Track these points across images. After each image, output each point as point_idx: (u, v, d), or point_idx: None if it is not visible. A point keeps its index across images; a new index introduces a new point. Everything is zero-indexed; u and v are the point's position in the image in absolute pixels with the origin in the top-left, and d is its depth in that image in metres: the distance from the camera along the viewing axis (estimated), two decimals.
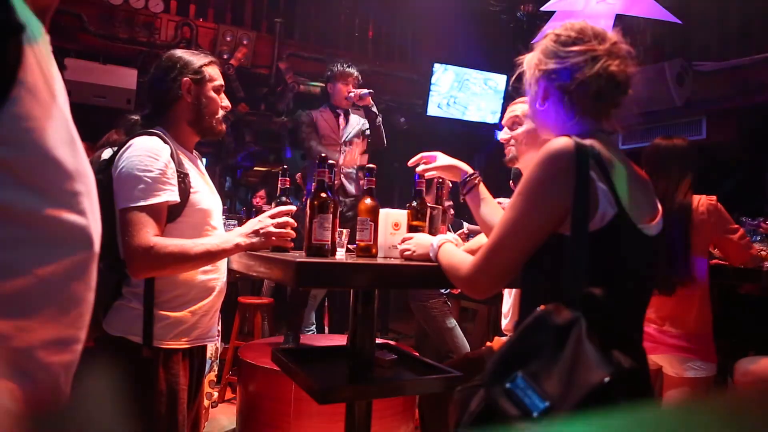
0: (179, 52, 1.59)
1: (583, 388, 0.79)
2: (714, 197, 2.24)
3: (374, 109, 3.39)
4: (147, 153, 1.41)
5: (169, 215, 1.44)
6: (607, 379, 0.78)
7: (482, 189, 1.52)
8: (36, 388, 0.64)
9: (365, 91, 3.33)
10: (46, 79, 0.69)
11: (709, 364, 2.17)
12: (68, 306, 0.70)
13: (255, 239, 1.45)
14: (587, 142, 1.01)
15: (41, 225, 0.67)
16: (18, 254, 0.65)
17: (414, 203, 1.54)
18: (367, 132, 3.52)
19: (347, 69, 3.42)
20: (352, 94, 3.34)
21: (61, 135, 0.69)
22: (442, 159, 1.58)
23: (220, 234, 1.53)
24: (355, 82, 3.43)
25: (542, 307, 0.90)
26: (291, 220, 1.49)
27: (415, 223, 1.52)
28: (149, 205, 1.37)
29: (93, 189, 0.75)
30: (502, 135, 1.81)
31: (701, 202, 2.22)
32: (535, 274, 1.05)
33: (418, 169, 1.58)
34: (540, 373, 0.84)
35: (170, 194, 1.42)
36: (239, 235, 1.45)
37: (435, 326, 3.54)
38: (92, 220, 0.73)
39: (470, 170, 1.55)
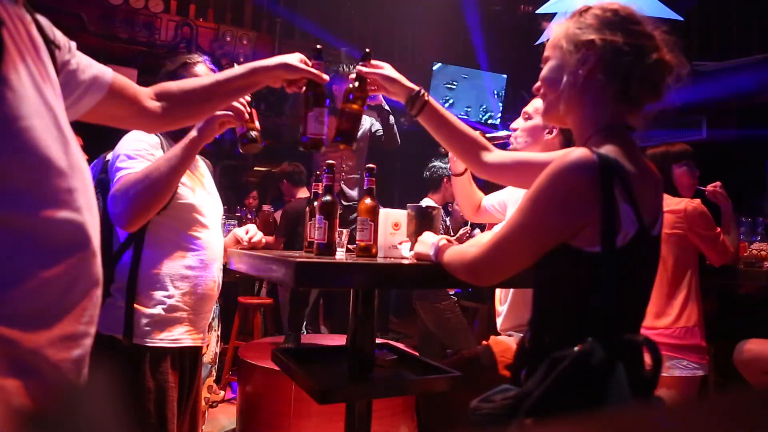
0: (172, 57, 1.62)
1: None
2: (696, 201, 2.30)
3: (386, 107, 3.33)
4: (134, 138, 1.47)
5: None
6: None
7: (436, 105, 1.38)
8: (45, 385, 0.65)
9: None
10: (31, 73, 0.68)
11: (697, 364, 2.16)
12: (72, 303, 0.70)
13: (203, 124, 1.41)
14: (608, 151, 0.97)
15: (39, 227, 0.67)
16: (21, 259, 0.65)
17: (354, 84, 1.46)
18: (378, 132, 3.46)
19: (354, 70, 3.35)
20: None
21: (51, 132, 0.68)
22: (388, 70, 1.43)
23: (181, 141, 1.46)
24: None
25: (579, 346, 0.88)
26: (244, 102, 1.45)
27: (346, 106, 1.45)
28: (122, 175, 1.38)
29: (89, 184, 0.74)
30: (513, 125, 1.95)
31: (680, 205, 2.27)
32: (553, 288, 1.03)
33: (358, 67, 1.45)
34: None
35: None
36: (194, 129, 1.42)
37: (449, 327, 3.53)
38: (88, 216, 0.72)
39: (415, 87, 1.40)
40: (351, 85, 1.45)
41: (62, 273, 0.69)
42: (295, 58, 1.32)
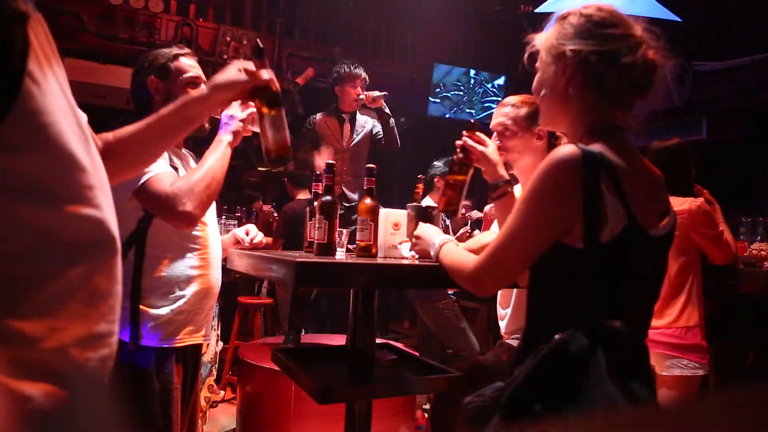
0: (153, 51, 1.60)
1: None
2: (699, 200, 2.28)
3: (387, 110, 3.36)
4: None
5: None
6: None
7: (515, 200, 1.43)
8: (71, 386, 0.64)
9: (379, 93, 3.28)
10: (53, 70, 0.68)
11: (697, 363, 2.17)
12: (96, 301, 0.69)
13: (234, 128, 1.46)
14: (596, 148, 0.98)
15: (63, 223, 0.66)
16: (44, 256, 0.64)
17: (458, 156, 1.48)
18: (378, 135, 3.50)
19: (354, 70, 3.37)
20: (363, 96, 3.30)
21: (73, 128, 0.68)
22: (491, 148, 1.48)
23: (210, 148, 1.47)
24: (363, 83, 3.40)
25: (559, 335, 0.89)
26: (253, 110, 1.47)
27: (452, 177, 1.48)
28: (154, 175, 1.36)
29: (106, 182, 0.74)
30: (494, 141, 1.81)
31: (684, 205, 2.26)
32: (544, 284, 1.04)
33: (464, 138, 1.48)
34: (560, 411, 0.83)
35: (168, 166, 1.43)
36: (222, 135, 1.46)
37: (448, 326, 3.53)
38: (108, 213, 0.72)
39: (506, 176, 1.48)
40: (456, 156, 1.49)
41: (86, 270, 0.68)
42: (230, 73, 1.19)
